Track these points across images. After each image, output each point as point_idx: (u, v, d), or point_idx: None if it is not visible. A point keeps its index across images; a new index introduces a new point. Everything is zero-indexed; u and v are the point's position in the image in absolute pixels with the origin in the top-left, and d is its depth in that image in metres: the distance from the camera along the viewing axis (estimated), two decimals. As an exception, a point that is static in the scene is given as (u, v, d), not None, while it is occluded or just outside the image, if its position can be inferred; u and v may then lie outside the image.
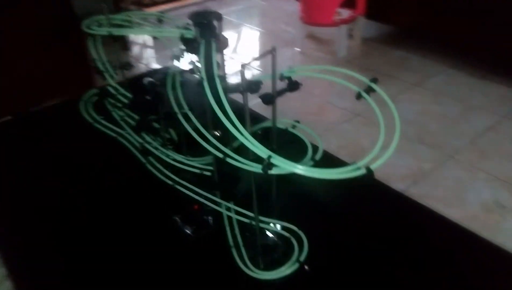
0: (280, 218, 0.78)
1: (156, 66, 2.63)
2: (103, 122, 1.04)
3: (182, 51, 0.94)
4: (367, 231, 0.81)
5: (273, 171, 0.54)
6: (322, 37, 2.85)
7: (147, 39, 2.92)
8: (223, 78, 0.66)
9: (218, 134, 0.75)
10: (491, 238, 0.76)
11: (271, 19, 3.26)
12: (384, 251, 0.77)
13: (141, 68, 2.60)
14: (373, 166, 0.52)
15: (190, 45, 0.74)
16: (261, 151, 0.53)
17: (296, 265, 0.70)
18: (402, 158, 1.85)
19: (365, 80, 0.64)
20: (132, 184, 0.97)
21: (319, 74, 0.69)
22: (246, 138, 0.55)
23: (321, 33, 2.85)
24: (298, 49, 2.73)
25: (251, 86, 0.64)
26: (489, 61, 2.35)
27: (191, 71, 0.90)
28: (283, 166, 0.52)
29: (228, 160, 0.62)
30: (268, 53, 0.65)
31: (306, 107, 2.18)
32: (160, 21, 1.10)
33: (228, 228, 0.81)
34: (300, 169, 0.51)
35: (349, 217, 0.84)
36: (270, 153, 0.52)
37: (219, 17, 0.71)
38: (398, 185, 1.76)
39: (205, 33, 0.71)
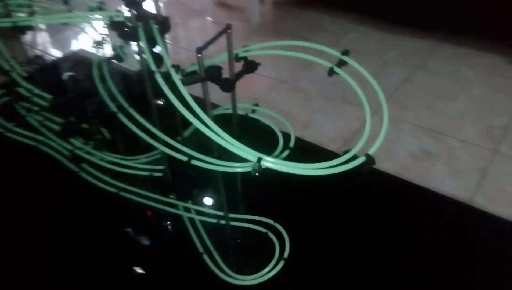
0: (251, 213, 0.71)
1: (56, 52, 2.34)
2: (17, 129, 0.87)
3: (103, 36, 0.81)
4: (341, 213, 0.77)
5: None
6: (232, 3, 2.75)
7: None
8: (177, 68, 0.55)
9: (162, 103, 0.65)
10: (425, 185, 0.78)
11: (173, -12, 3.06)
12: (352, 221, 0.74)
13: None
14: (370, 152, 0.47)
15: (122, 30, 0.61)
16: (249, 154, 0.45)
17: (281, 264, 0.64)
18: (330, 120, 1.87)
19: (335, 53, 0.58)
20: (66, 198, 0.84)
21: (278, 51, 0.61)
22: (228, 141, 0.46)
23: (231, 0, 2.74)
24: (210, 19, 2.61)
25: (211, 74, 0.55)
26: (395, 14, 2.44)
27: (117, 58, 0.78)
28: (276, 167, 0.45)
29: (202, 163, 0.53)
30: (224, 32, 0.56)
31: (230, 79, 2.09)
32: (65, 1, 0.93)
33: (193, 233, 0.73)
34: (296, 168, 0.44)
35: (320, 200, 0.80)
36: (259, 155, 0.45)
37: (155, -5, 0.60)
38: (331, 147, 1.78)
39: (142, 15, 0.59)
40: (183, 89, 0.49)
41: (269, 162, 0.44)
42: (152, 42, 0.54)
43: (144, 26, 0.57)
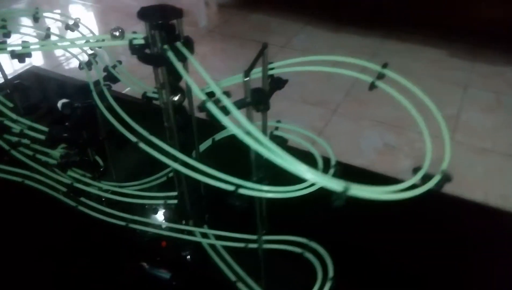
0: (276, 232, 0.69)
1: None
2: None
3: (93, 56, 0.75)
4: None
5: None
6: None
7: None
8: (228, 94, 0.51)
9: (176, 100, 0.61)
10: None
11: (108, -7, 2.91)
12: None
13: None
14: (444, 168, 0.47)
15: (145, 54, 0.56)
16: (334, 184, 0.43)
17: (329, 285, 0.62)
18: (293, 121, 1.88)
19: (372, 66, 0.57)
20: (63, 235, 0.76)
21: (307, 67, 0.59)
22: (310, 172, 0.43)
23: (174, 3, 2.66)
24: (154, 25, 2.51)
25: (257, 97, 0.52)
26: (340, 14, 2.51)
27: (111, 79, 0.72)
28: (364, 194, 0.43)
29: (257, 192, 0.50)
30: (262, 52, 0.53)
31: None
32: (36, 19, 0.84)
33: (218, 260, 0.69)
34: (383, 193, 0.43)
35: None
36: (345, 184, 0.42)
37: (179, 14, 0.55)
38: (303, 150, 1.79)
39: (169, 37, 0.54)
40: (239, 116, 0.45)
41: (357, 190, 0.42)
42: (200, 68, 0.50)
43: (174, 50, 0.52)
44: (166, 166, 0.80)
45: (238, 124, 0.47)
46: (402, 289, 0.68)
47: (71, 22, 0.83)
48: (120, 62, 0.75)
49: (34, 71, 1.17)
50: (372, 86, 0.57)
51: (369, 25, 2.49)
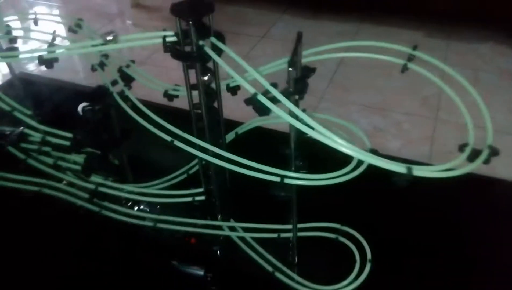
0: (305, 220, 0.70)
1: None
2: (10, 176, 0.74)
3: (105, 57, 0.73)
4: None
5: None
6: (150, 4, 2.62)
7: None
8: (275, 85, 0.51)
9: (207, 80, 0.61)
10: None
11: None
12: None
13: None
14: (489, 143, 0.49)
15: (179, 51, 0.55)
16: (398, 166, 0.44)
17: (369, 266, 0.63)
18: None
19: (405, 49, 0.59)
20: (93, 240, 0.74)
21: (337, 54, 0.60)
22: (374, 157, 0.44)
23: (148, 0, 2.62)
24: (130, 22, 2.47)
25: (299, 87, 0.52)
26: (316, 1, 2.53)
27: (127, 78, 0.71)
28: (427, 175, 0.44)
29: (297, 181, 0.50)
30: (299, 41, 0.54)
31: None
32: (35, 23, 0.82)
33: (251, 252, 0.69)
34: (441, 171, 0.44)
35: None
36: (408, 165, 0.43)
37: (211, 8, 0.55)
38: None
39: (201, 31, 0.54)
40: (291, 105, 0.46)
41: (420, 170, 0.43)
42: (242, 62, 0.50)
43: (212, 45, 0.52)
44: (184, 163, 0.79)
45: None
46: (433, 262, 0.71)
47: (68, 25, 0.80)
48: (133, 61, 0.74)
49: (24, 77, 1.13)
50: (404, 68, 0.59)
51: (346, 10, 2.51)
